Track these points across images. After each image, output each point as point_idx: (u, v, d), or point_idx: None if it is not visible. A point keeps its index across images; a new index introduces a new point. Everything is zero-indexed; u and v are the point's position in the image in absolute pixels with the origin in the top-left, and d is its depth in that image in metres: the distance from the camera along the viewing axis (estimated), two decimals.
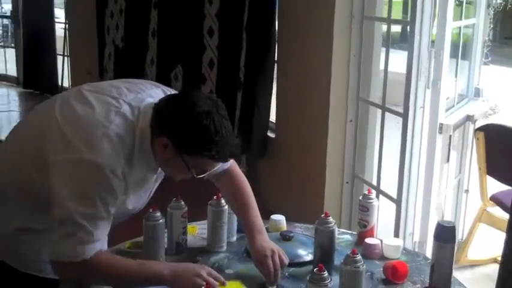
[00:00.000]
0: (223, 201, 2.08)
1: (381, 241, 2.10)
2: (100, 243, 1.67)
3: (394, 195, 3.19)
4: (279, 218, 2.29)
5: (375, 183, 3.40)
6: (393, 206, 3.21)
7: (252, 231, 1.96)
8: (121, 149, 1.65)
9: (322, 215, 1.93)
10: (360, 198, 2.18)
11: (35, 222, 1.79)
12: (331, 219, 1.93)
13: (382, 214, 3.41)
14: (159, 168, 1.84)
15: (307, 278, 1.57)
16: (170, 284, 1.72)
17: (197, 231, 2.24)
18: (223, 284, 1.78)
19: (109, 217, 1.67)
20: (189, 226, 2.28)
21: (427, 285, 1.87)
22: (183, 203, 2.05)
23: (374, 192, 3.39)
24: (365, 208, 2.15)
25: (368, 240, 2.09)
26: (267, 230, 2.24)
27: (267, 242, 1.93)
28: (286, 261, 1.89)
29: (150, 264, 1.82)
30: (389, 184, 3.35)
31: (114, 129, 1.65)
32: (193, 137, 1.64)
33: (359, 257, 1.66)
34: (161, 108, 1.69)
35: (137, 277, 1.74)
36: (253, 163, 4.70)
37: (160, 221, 1.94)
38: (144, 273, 1.74)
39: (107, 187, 1.62)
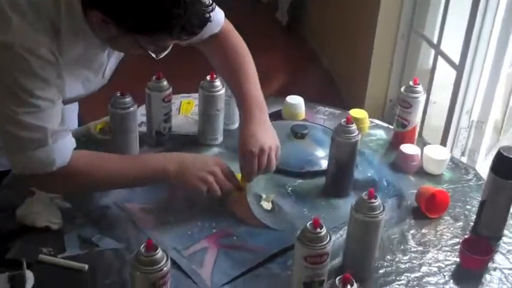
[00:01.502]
0: (218, 82, 1.59)
1: (421, 150, 1.61)
2: (65, 137, 1.26)
3: (456, 60, 2.60)
4: (297, 101, 1.79)
5: (434, 41, 2.80)
6: (453, 73, 2.64)
7: (246, 108, 1.47)
8: (39, 22, 1.16)
9: (343, 120, 1.43)
10: (402, 89, 1.64)
11: None
12: (354, 127, 1.43)
13: (438, 82, 2.88)
14: None
15: (297, 234, 1.12)
16: (174, 182, 1.37)
17: (192, 110, 1.79)
18: (240, 189, 1.40)
19: (52, 104, 1.23)
20: (185, 100, 1.84)
21: (471, 222, 1.42)
22: (165, 83, 1.57)
23: (431, 60, 2.83)
24: (407, 104, 1.62)
25: (404, 148, 1.60)
26: (281, 117, 1.79)
27: (262, 131, 1.44)
28: (273, 167, 1.42)
29: (148, 158, 1.43)
30: (452, 45, 2.73)
31: None
32: (141, 13, 1.12)
33: (378, 201, 1.18)
34: None
35: (132, 178, 1.36)
36: (298, 5, 4.14)
37: (131, 108, 1.49)
38: (141, 172, 1.36)
39: (29, 72, 1.16)
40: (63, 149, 1.26)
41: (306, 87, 3.62)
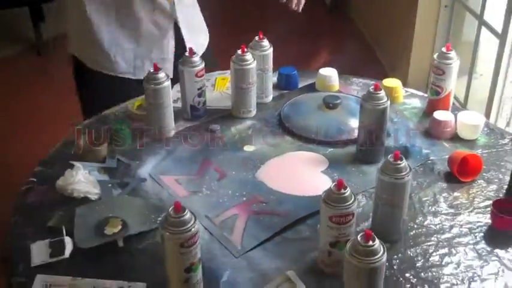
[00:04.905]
0: (249, 55, 1.62)
1: (455, 115, 1.60)
2: None
3: (499, 29, 2.54)
4: (330, 73, 1.80)
5: (478, 11, 2.74)
6: (496, 41, 2.58)
7: None
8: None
9: (371, 88, 1.44)
10: (435, 56, 1.63)
11: None
12: (382, 93, 1.43)
13: (482, 52, 2.81)
14: None
15: (322, 195, 1.14)
16: None
17: (227, 85, 1.83)
18: None
19: None
20: (220, 77, 1.88)
21: (505, 186, 1.40)
22: (197, 58, 1.61)
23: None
24: (440, 70, 1.61)
25: (437, 115, 1.59)
26: (314, 88, 1.81)
27: None
28: None
29: None
30: (496, 15, 2.67)
31: None
32: None
33: (404, 163, 1.19)
34: None
35: None
36: None
37: (164, 84, 1.53)
38: None
39: None
40: None
41: (350, 64, 3.60)
